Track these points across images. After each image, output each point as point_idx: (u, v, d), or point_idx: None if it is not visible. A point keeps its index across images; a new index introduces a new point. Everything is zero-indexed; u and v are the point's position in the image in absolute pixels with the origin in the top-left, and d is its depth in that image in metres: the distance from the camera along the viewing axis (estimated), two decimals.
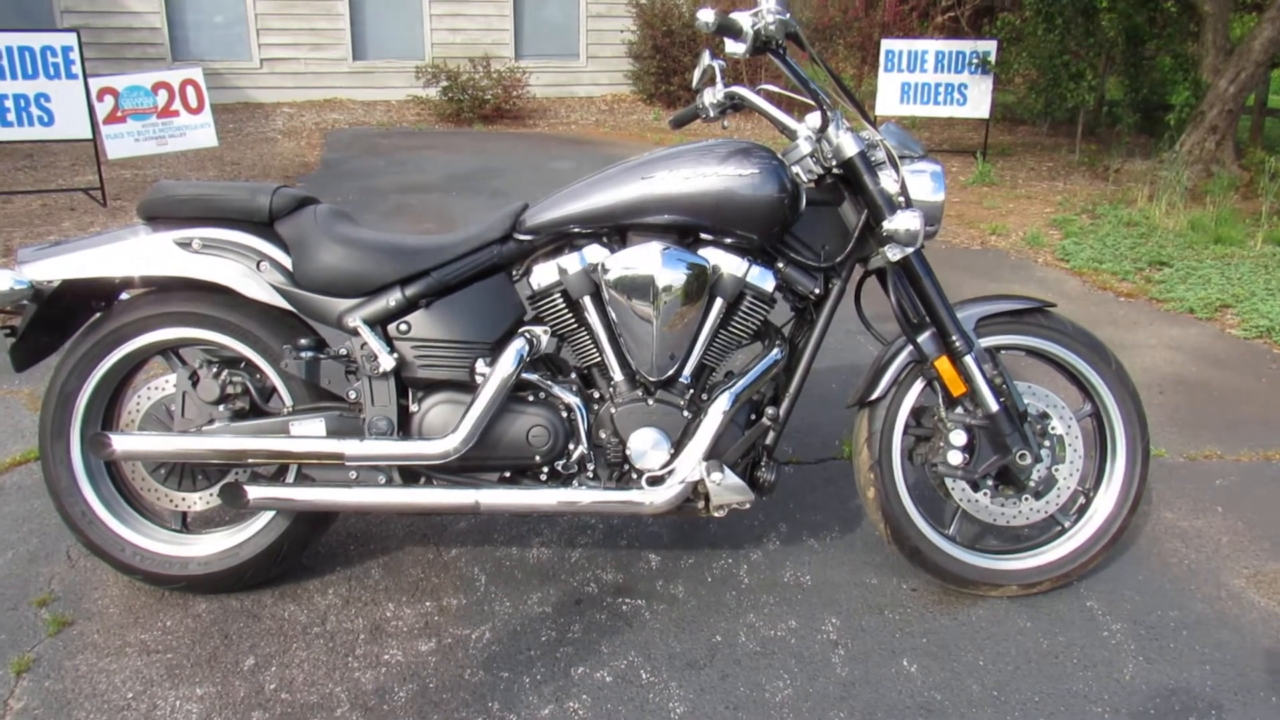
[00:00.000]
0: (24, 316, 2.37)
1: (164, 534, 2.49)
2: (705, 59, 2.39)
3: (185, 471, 2.46)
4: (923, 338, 2.44)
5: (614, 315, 2.31)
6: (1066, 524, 2.58)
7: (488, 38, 12.64)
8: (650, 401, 2.35)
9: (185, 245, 2.31)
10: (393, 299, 2.32)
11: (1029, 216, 7.04)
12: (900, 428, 2.50)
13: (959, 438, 2.44)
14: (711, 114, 2.44)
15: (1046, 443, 2.49)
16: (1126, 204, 7.12)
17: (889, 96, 9.22)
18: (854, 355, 4.16)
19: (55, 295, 2.34)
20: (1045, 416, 2.50)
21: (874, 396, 2.48)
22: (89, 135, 6.54)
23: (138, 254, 2.32)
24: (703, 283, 2.28)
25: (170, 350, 2.48)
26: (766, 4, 2.26)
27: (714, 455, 2.33)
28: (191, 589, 2.48)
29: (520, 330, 2.37)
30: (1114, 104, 9.83)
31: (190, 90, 6.61)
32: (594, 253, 2.32)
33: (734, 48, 2.26)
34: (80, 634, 2.36)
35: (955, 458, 2.44)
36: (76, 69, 6.40)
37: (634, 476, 2.37)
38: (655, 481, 2.33)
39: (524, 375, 2.35)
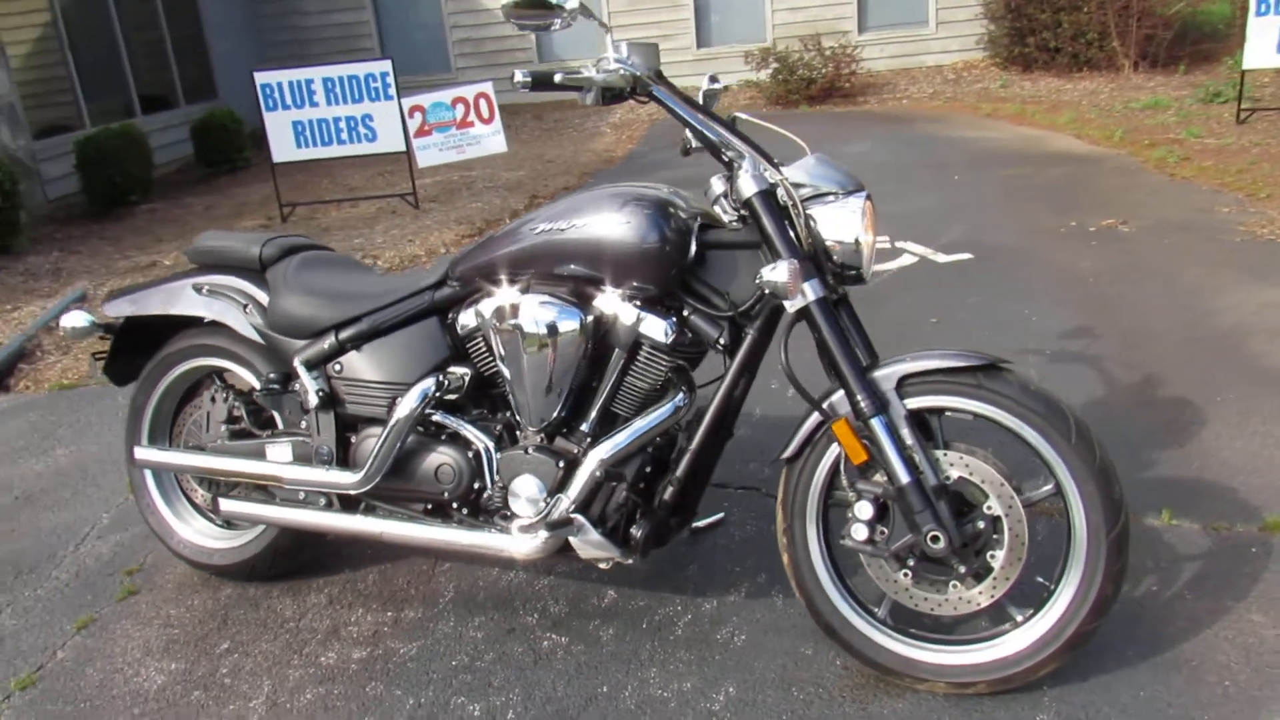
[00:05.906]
0: (110, 345, 2.96)
1: (202, 526, 2.98)
2: (705, 83, 2.38)
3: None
4: (834, 397, 2.20)
5: (502, 364, 2.37)
6: (1019, 618, 2.19)
7: (829, 13, 12.42)
8: (530, 450, 2.38)
9: (199, 290, 2.75)
10: (328, 342, 2.56)
11: None
12: (815, 492, 2.28)
13: (864, 510, 2.18)
14: (692, 143, 2.42)
15: (981, 524, 2.13)
16: None
17: (1263, 46, 7.77)
18: None
19: (124, 329, 2.90)
20: (983, 494, 2.14)
21: (787, 455, 2.29)
22: (403, 148, 7.56)
23: (169, 296, 2.80)
24: (576, 334, 2.27)
25: (216, 374, 2.95)
26: (615, 53, 2.15)
27: (586, 508, 2.31)
28: (220, 576, 2.96)
29: (435, 371, 2.51)
30: None
31: (482, 102, 7.36)
32: (492, 302, 2.39)
33: (584, 99, 2.19)
34: (136, 602, 2.92)
35: (860, 532, 2.19)
36: (392, 91, 7.43)
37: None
38: (528, 529, 2.36)
39: (441, 416, 2.49)
